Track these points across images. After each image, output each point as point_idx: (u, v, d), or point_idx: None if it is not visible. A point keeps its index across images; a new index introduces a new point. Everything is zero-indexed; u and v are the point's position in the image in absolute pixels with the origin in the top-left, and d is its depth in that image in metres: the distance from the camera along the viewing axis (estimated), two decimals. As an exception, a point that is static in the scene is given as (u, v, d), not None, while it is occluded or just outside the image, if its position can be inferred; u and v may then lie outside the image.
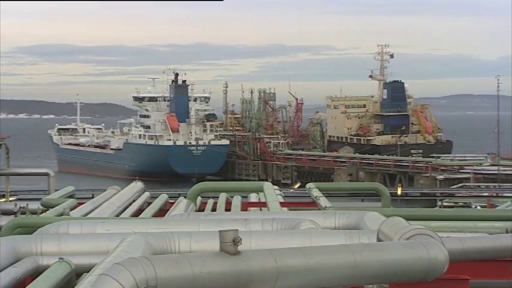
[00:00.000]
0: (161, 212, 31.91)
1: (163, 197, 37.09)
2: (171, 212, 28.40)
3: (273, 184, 35.83)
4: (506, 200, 68.99)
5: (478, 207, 61.97)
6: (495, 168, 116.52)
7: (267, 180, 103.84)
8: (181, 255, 8.36)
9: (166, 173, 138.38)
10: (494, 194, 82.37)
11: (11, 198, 46.87)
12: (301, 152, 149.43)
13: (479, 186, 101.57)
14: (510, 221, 24.96)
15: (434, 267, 8.39)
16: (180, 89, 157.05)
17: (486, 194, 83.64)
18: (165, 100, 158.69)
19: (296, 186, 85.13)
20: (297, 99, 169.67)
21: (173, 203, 33.43)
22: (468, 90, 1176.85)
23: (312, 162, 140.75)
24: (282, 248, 8.17)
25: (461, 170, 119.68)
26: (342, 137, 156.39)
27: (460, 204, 72.30)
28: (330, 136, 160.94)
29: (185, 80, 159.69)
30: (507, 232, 22.36)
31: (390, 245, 8.76)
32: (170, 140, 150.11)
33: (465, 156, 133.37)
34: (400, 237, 9.29)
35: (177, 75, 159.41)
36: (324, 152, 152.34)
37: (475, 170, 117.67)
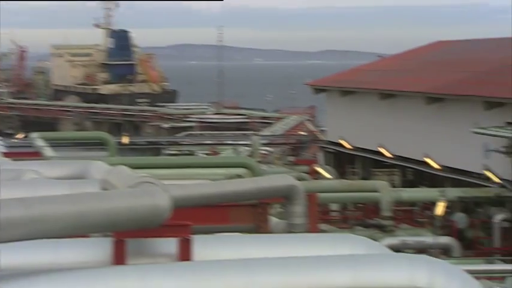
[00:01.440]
0: None
1: None
2: None
3: (-5, 134, 34.54)
4: (228, 147, 71.83)
5: (202, 155, 63.83)
6: (218, 116, 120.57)
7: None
8: None
9: None
10: (217, 142, 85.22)
11: None
12: (25, 101, 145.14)
13: (203, 134, 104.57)
14: (231, 168, 26.01)
15: (158, 214, 8.56)
16: None
17: (209, 142, 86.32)
18: None
19: (20, 136, 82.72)
20: (20, 46, 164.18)
21: None
22: (191, 40, 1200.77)
23: (36, 112, 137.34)
24: (3, 199, 7.93)
25: (186, 119, 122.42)
26: (67, 86, 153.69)
27: (185, 152, 73.99)
28: (55, 85, 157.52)
29: None
30: (229, 179, 23.26)
31: (114, 194, 8.81)
32: None
33: (190, 105, 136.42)
34: (124, 186, 9.37)
35: None
36: (50, 101, 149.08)
37: (199, 118, 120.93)
